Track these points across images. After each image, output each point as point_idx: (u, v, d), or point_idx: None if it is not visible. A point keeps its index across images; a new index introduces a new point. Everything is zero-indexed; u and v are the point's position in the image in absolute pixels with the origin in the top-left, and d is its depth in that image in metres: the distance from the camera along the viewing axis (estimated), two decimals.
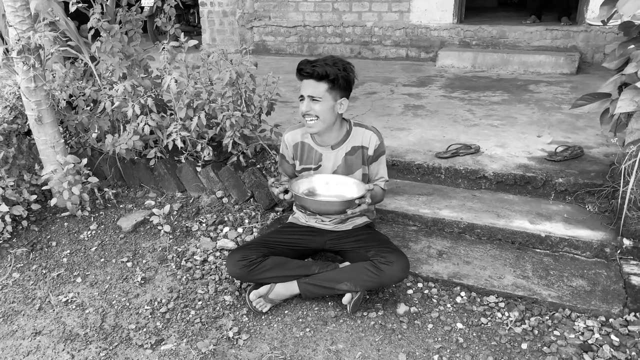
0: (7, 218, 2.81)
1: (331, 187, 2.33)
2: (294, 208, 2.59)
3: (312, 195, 2.32)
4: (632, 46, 2.26)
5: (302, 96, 2.23)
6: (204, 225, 2.96)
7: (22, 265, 2.70)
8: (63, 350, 2.11)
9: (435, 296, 2.33)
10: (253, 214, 3.01)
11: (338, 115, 2.27)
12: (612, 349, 1.98)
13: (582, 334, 2.07)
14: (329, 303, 2.31)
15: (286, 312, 2.27)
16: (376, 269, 2.17)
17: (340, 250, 2.42)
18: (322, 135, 2.34)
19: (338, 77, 2.17)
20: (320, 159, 2.38)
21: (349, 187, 2.29)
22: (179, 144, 2.91)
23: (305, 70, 2.17)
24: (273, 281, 2.27)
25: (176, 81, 2.82)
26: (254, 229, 2.88)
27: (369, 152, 2.35)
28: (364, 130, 2.35)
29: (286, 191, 2.22)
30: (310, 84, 2.18)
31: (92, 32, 2.99)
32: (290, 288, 2.27)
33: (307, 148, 2.39)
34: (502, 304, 2.25)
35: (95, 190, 3.14)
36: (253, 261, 2.25)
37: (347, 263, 2.34)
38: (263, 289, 2.26)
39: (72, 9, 2.90)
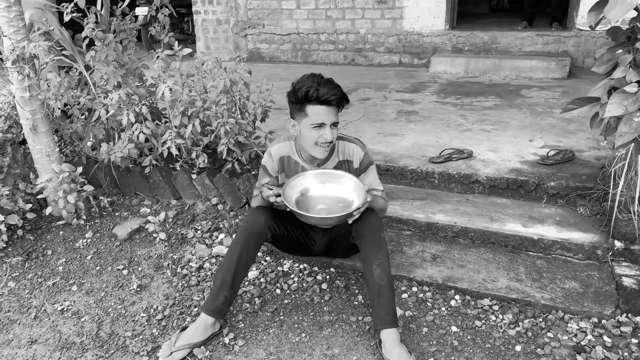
0: (2, 227, 2.81)
1: (326, 186, 2.22)
2: None
3: (306, 195, 2.22)
4: (620, 51, 2.30)
5: (322, 124, 2.08)
6: (199, 232, 2.96)
7: (17, 274, 2.70)
8: (59, 358, 2.10)
9: (429, 300, 2.35)
10: None
11: None
12: (604, 350, 2.00)
13: (575, 335, 2.09)
14: (325, 308, 2.32)
15: (282, 317, 2.28)
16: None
17: (328, 250, 2.45)
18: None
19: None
20: None
21: (345, 187, 2.19)
22: (174, 151, 2.92)
23: (335, 101, 2.06)
24: None
25: (170, 89, 2.84)
26: None
27: (354, 165, 2.29)
28: (346, 144, 2.30)
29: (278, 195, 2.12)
30: (332, 111, 2.09)
31: (87, 41, 3.02)
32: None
33: (293, 163, 2.31)
34: (496, 307, 2.26)
35: (91, 199, 3.15)
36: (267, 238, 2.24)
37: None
38: None
39: (66, 18, 2.92)
